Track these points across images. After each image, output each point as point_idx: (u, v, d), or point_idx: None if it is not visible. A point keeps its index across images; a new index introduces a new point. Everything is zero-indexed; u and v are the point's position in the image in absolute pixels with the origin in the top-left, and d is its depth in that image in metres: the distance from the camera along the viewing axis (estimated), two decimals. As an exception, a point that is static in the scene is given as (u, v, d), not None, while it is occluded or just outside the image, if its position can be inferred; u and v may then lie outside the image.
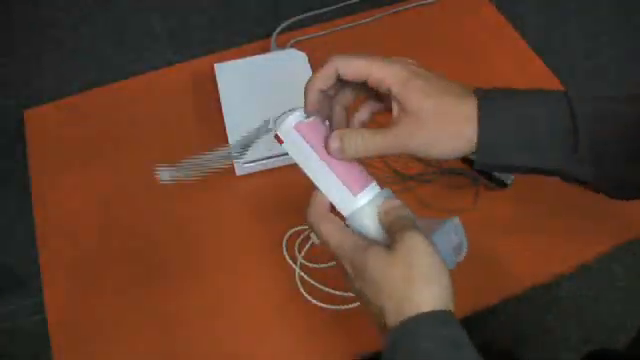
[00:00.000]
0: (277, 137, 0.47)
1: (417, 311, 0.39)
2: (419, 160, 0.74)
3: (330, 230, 0.44)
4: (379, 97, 0.48)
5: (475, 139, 0.43)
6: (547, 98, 0.44)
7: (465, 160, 0.74)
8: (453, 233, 0.47)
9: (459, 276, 0.65)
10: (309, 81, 0.46)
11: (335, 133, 0.45)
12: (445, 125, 0.44)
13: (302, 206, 0.50)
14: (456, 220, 0.48)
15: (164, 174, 0.67)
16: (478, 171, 0.74)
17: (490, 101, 0.44)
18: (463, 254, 0.48)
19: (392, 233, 0.42)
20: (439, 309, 0.39)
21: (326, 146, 0.45)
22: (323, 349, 0.62)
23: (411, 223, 0.42)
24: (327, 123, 0.48)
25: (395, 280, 0.40)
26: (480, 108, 0.44)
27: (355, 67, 0.44)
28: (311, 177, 0.46)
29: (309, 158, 0.46)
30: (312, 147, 0.46)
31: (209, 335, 0.63)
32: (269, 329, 0.63)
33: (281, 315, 0.64)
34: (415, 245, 0.40)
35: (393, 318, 0.39)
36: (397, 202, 0.44)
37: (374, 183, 0.46)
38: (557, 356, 1.29)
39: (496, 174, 0.72)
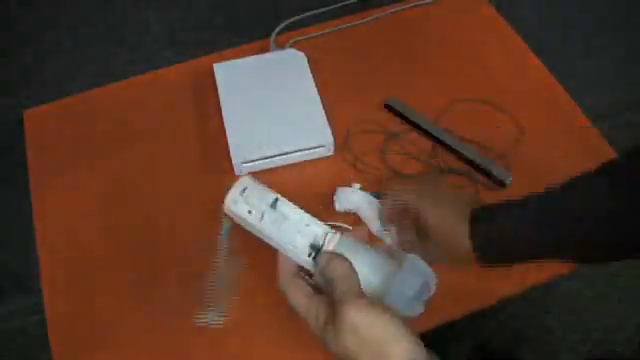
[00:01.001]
0: (227, 215, 0.51)
1: None
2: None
3: (297, 299, 0.47)
4: None
5: (468, 248, 0.57)
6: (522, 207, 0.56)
7: (465, 160, 0.75)
8: (412, 278, 0.47)
9: (459, 276, 0.65)
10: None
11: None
12: (444, 238, 0.57)
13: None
14: (411, 260, 0.49)
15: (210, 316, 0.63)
16: (477, 170, 0.74)
17: (477, 221, 0.56)
18: (433, 287, 0.49)
19: (332, 302, 0.44)
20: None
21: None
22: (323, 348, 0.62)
23: (343, 288, 0.43)
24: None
25: (358, 354, 0.41)
26: (472, 226, 0.56)
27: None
28: (274, 243, 0.50)
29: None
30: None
31: (208, 335, 0.63)
32: (269, 329, 0.63)
33: (281, 315, 0.64)
34: (352, 319, 0.41)
35: None
36: (326, 256, 0.46)
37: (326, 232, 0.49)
38: (557, 356, 1.29)
39: (495, 174, 0.72)
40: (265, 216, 0.50)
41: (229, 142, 0.73)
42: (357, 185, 0.69)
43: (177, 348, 0.62)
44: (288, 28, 0.87)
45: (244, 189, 0.51)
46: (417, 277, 0.48)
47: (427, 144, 0.77)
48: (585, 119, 0.81)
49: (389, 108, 0.79)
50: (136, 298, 0.65)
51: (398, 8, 0.92)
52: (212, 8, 0.83)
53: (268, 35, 0.86)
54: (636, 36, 1.28)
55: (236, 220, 0.51)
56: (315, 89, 0.77)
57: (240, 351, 0.62)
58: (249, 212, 0.50)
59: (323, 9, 0.88)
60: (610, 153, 0.76)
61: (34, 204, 0.73)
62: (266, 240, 0.51)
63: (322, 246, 0.48)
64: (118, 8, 0.77)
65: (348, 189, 0.69)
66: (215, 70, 0.81)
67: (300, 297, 0.47)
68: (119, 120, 0.81)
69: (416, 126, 0.77)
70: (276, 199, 0.50)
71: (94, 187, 0.74)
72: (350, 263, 0.45)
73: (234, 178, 0.73)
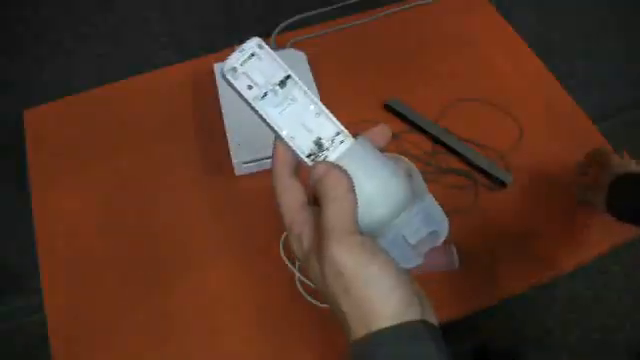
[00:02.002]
0: (228, 79, 0.38)
1: (377, 327, 0.33)
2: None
3: (285, 207, 0.38)
4: None
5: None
6: None
7: (465, 160, 0.75)
8: (420, 224, 0.38)
9: (459, 277, 0.65)
10: None
11: None
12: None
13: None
14: (427, 202, 0.38)
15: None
16: (478, 171, 0.74)
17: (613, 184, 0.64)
18: (442, 239, 0.38)
19: (320, 227, 0.35)
20: (399, 323, 0.32)
21: None
22: (324, 346, 0.62)
23: (334, 217, 0.34)
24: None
25: (342, 302, 0.34)
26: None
27: None
28: (273, 130, 0.40)
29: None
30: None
31: (209, 334, 0.63)
32: (269, 327, 0.63)
33: (281, 314, 0.64)
34: (338, 260, 0.33)
35: (352, 333, 0.34)
36: (323, 167, 0.36)
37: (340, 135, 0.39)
38: (557, 356, 1.29)
39: (495, 174, 0.72)
40: (268, 95, 0.40)
41: (229, 142, 0.73)
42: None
43: (177, 348, 0.62)
44: (288, 28, 0.87)
45: (251, 55, 0.40)
46: (425, 225, 0.37)
47: (427, 144, 0.77)
48: (585, 119, 0.81)
49: (389, 108, 0.79)
50: (136, 298, 0.65)
51: (398, 8, 0.92)
52: (212, 8, 0.83)
53: (268, 35, 0.86)
54: (636, 36, 1.28)
55: (233, 91, 0.40)
56: (315, 89, 0.77)
57: (239, 351, 0.62)
58: (249, 87, 0.39)
59: (323, 9, 0.88)
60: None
61: (34, 204, 0.73)
62: (264, 124, 0.40)
63: (327, 149, 0.39)
64: (118, 8, 0.77)
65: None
66: (215, 70, 0.81)
67: (288, 206, 0.38)
68: (119, 120, 0.80)
69: (416, 126, 0.78)
70: (288, 76, 0.40)
71: (94, 187, 0.74)
72: (352, 183, 0.35)
73: (234, 178, 0.74)
